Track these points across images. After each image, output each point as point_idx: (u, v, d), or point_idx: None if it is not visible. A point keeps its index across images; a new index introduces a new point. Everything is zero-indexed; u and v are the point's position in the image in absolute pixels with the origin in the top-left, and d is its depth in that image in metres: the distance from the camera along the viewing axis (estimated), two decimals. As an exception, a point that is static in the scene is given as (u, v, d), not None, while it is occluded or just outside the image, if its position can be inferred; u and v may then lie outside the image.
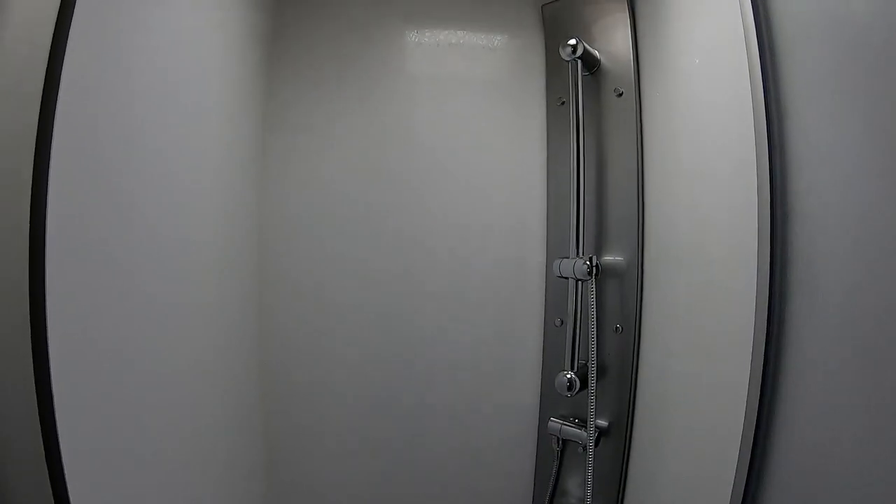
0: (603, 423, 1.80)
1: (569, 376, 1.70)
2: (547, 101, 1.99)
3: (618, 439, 1.77)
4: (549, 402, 1.97)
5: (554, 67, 1.97)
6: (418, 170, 1.96)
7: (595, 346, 1.67)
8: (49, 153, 0.70)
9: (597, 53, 1.84)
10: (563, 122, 1.92)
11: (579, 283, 1.75)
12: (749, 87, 1.16)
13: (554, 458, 1.89)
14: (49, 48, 0.70)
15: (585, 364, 1.73)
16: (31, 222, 0.69)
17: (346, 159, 1.94)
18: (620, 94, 1.80)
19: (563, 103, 1.93)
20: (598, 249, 1.85)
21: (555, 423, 1.88)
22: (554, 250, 1.96)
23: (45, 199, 0.69)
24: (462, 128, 1.96)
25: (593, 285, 1.70)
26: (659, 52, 1.68)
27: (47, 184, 0.69)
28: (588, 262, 1.69)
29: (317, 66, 1.93)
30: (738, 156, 1.19)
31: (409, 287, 1.96)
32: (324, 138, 1.93)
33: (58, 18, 0.69)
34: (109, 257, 0.89)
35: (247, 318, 1.76)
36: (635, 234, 1.77)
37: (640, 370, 1.73)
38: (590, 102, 1.84)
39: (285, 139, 1.91)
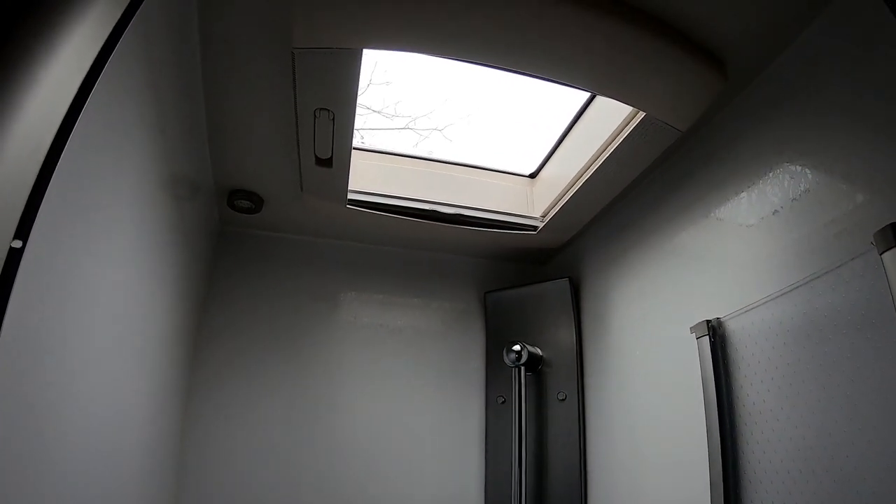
0: None
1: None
2: (486, 398, 1.95)
3: None
4: None
5: (495, 360, 1.96)
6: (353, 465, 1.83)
7: None
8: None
9: (539, 352, 1.84)
10: (504, 421, 1.86)
11: None
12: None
13: None
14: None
15: None
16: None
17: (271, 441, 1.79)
18: (563, 399, 1.78)
19: (503, 402, 1.89)
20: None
21: None
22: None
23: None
24: (397, 428, 1.87)
25: None
26: (603, 350, 1.70)
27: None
28: None
29: (247, 330, 1.85)
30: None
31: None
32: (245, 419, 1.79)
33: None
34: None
35: None
36: None
37: None
38: (532, 403, 1.81)
39: (206, 415, 1.75)
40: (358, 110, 1.31)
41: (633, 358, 1.54)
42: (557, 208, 1.69)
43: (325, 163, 1.47)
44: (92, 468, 1.03)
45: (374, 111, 1.72)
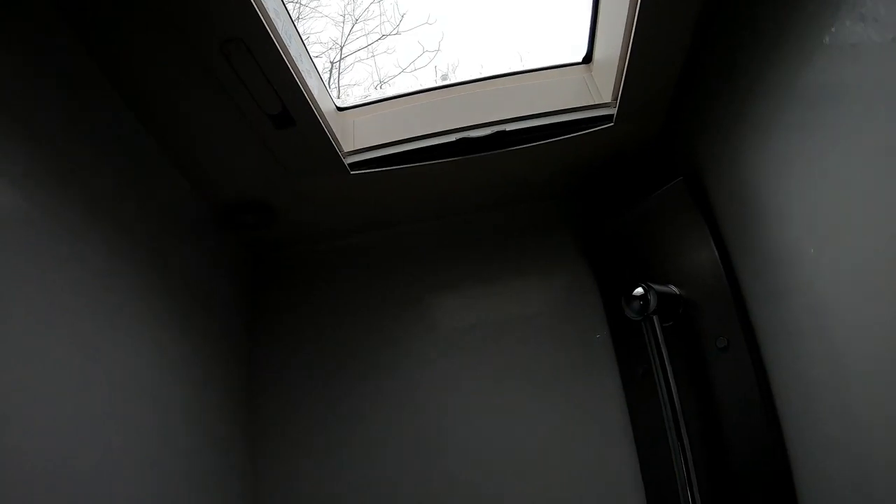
0: None
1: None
2: (622, 377, 1.39)
3: None
4: None
5: (619, 323, 1.41)
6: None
7: None
8: None
9: (674, 289, 1.29)
10: (653, 399, 1.31)
11: None
12: None
13: None
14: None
15: None
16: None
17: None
18: (725, 347, 1.21)
19: (645, 373, 1.34)
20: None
21: None
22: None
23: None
24: (513, 448, 1.37)
25: None
26: (766, 265, 1.10)
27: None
28: None
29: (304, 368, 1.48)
30: None
31: None
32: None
33: None
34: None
35: None
36: None
37: None
38: (681, 362, 1.25)
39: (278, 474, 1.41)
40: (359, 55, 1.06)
41: (824, 261, 0.95)
42: (625, 76, 1.15)
43: (283, 120, 1.08)
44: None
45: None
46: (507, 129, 1.24)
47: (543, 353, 1.42)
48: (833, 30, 0.84)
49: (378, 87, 1.40)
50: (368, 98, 1.36)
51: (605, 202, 1.49)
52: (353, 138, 1.28)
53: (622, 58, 1.15)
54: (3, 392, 0.66)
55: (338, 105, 1.33)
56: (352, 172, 1.25)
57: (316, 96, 1.11)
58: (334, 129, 1.20)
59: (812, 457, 1.02)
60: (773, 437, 1.10)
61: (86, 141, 0.95)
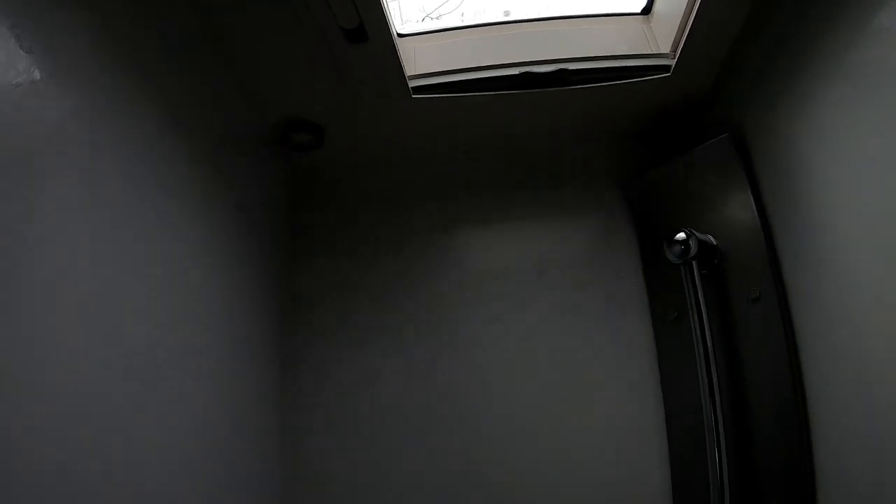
0: None
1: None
2: (653, 320, 1.45)
3: None
4: None
5: (654, 269, 1.46)
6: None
7: None
8: None
9: (712, 240, 1.34)
10: (681, 344, 1.37)
11: None
12: None
13: None
14: None
15: None
16: None
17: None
18: (757, 298, 1.27)
19: (676, 318, 1.40)
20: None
21: None
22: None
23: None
24: (544, 379, 1.42)
25: None
26: (801, 224, 1.16)
27: None
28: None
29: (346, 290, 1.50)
30: None
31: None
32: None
33: None
34: None
35: None
36: (803, 485, 1.15)
37: None
38: (714, 311, 1.31)
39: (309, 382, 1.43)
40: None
41: (855, 218, 0.99)
42: (687, 31, 1.19)
43: (358, 35, 1.08)
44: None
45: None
46: (569, 67, 1.26)
47: (578, 294, 1.47)
48: (882, 13, 0.88)
49: (436, 18, 1.39)
50: (428, 28, 1.37)
51: (653, 150, 1.53)
52: (414, 64, 1.29)
53: (686, 12, 1.18)
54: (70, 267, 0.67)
55: (399, 31, 1.33)
56: (413, 96, 1.26)
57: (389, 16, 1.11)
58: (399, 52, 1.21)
59: (829, 403, 1.09)
60: (791, 380, 1.17)
61: (160, 50, 0.94)
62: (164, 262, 0.90)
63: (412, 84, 1.25)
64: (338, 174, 1.58)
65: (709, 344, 1.23)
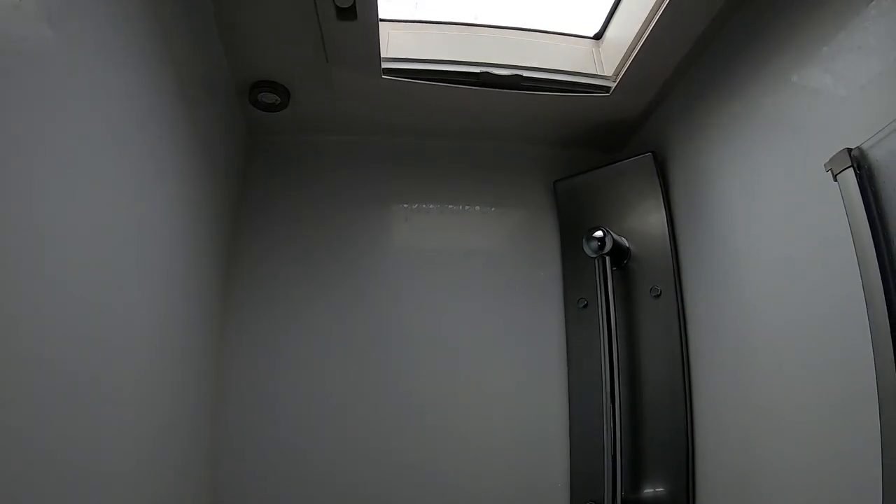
0: None
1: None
2: (565, 305, 1.65)
3: None
4: None
5: (571, 260, 1.66)
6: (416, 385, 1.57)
7: None
8: None
9: (625, 242, 1.54)
10: (587, 329, 1.57)
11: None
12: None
13: None
14: None
15: None
16: None
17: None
18: (658, 295, 1.48)
19: (586, 305, 1.59)
20: (635, 482, 1.44)
21: None
22: (580, 490, 1.53)
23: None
24: (462, 347, 1.59)
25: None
26: (702, 233, 1.39)
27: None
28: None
29: (286, 250, 1.60)
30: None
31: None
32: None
33: None
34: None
35: None
36: (683, 461, 1.37)
37: None
38: (620, 302, 1.51)
39: (243, 344, 1.52)
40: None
41: (744, 236, 1.23)
42: (631, 60, 1.38)
43: (348, 14, 1.20)
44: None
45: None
46: (524, 74, 1.43)
47: (500, 277, 1.66)
48: (801, 70, 1.09)
49: (416, 6, 1.52)
50: (405, 17, 1.50)
51: (587, 157, 1.73)
52: (387, 47, 1.41)
53: (632, 45, 1.37)
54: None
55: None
56: (384, 77, 1.38)
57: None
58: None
59: (710, 393, 1.32)
60: (682, 365, 1.39)
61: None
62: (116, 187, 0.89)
63: (384, 66, 1.38)
64: (295, 139, 1.70)
65: (613, 330, 1.43)
